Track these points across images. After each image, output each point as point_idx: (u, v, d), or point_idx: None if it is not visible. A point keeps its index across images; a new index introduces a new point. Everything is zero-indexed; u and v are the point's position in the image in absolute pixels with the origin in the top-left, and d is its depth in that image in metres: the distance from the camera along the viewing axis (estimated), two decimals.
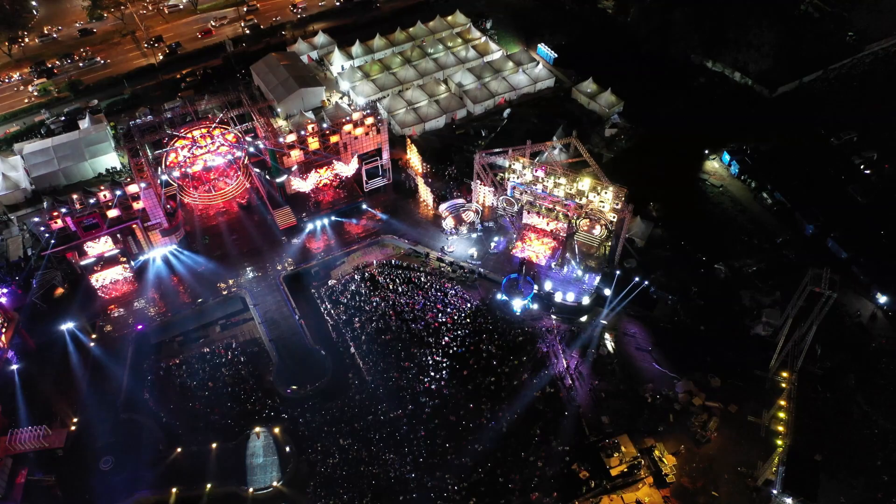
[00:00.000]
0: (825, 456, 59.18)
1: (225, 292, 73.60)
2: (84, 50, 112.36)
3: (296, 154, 77.53)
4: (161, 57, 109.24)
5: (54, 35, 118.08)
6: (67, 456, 60.29)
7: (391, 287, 73.39)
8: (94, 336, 68.90)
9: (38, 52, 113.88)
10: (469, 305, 71.65)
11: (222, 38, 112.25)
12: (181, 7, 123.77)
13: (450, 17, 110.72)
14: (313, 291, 74.53)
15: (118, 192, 70.34)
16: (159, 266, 75.11)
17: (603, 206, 71.96)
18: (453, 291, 73.03)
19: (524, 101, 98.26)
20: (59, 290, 73.27)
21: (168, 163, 76.08)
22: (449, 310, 71.01)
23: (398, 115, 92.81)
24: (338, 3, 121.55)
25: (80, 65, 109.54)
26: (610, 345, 68.48)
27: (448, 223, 77.87)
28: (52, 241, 68.76)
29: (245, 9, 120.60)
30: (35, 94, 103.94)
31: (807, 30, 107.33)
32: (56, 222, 68.30)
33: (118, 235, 71.89)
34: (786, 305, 64.84)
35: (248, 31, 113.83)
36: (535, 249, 76.72)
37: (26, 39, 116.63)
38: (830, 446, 60.50)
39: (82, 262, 70.82)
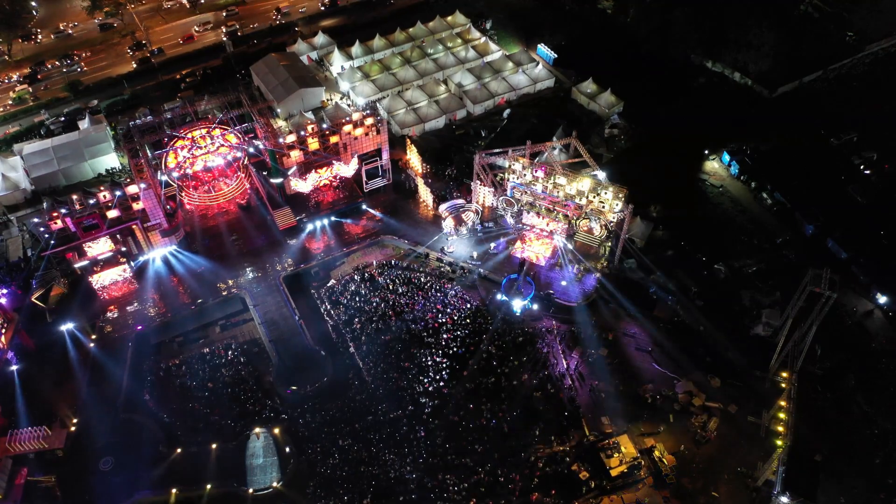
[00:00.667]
0: (825, 456, 59.17)
1: (225, 293, 73.60)
2: (70, 54, 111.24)
3: (295, 154, 77.53)
4: (135, 65, 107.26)
5: (69, 31, 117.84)
6: (67, 456, 60.34)
7: (391, 287, 73.37)
8: (93, 336, 68.91)
9: (38, 51, 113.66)
10: (469, 306, 71.65)
11: (203, 44, 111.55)
12: (203, 1, 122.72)
13: (449, 18, 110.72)
14: (313, 292, 74.50)
15: (118, 193, 70.35)
16: (159, 266, 75.14)
17: (603, 207, 71.99)
18: (453, 292, 73.02)
19: (524, 102, 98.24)
20: (59, 290, 73.16)
21: (167, 163, 76.09)
22: (449, 310, 71.01)
23: (398, 116, 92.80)
24: (322, 8, 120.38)
25: (63, 70, 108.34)
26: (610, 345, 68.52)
27: (448, 223, 77.84)
28: (52, 242, 68.78)
29: (224, 14, 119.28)
30: (10, 102, 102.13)
31: (807, 30, 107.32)
32: (56, 223, 68.27)
33: (118, 236, 71.90)
34: (786, 306, 64.79)
35: (224, 39, 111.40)
36: (535, 249, 76.75)
37: (40, 37, 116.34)
38: (830, 446, 60.50)
39: (77, 265, 70.92)
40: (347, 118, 79.09)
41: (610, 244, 75.40)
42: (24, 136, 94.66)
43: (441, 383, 64.84)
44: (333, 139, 78.22)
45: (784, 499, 53.81)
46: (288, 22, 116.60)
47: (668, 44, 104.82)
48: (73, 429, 61.90)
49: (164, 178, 75.82)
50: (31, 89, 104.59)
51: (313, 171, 79.92)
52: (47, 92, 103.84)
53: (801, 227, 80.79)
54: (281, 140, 76.24)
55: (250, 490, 58.40)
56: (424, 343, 68.20)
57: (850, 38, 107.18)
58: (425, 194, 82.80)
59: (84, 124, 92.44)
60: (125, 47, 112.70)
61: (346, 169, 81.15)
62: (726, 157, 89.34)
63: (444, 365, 66.18)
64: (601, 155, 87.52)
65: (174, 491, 57.66)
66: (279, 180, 79.14)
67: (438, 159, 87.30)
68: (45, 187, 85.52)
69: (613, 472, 58.19)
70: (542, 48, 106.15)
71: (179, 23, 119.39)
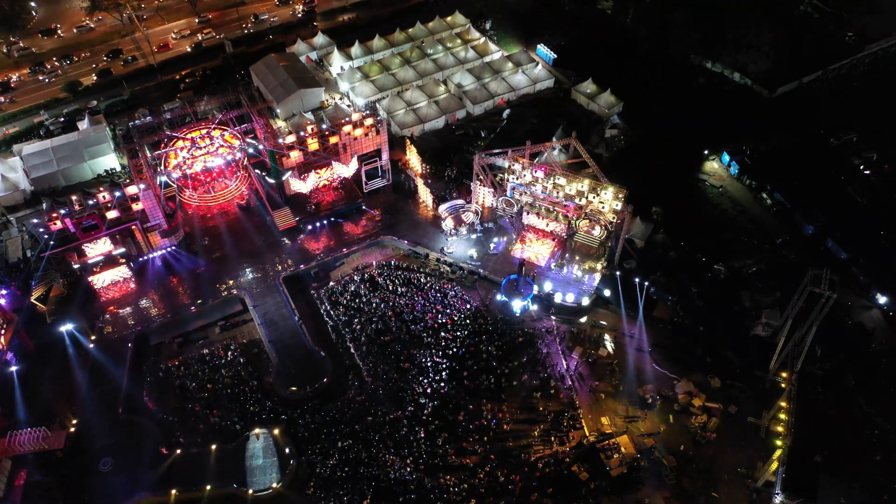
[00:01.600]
0: (825, 456, 59.16)
1: (224, 293, 73.53)
2: (55, 60, 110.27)
3: (295, 155, 77.46)
4: (95, 78, 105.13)
5: (92, 25, 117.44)
6: (67, 457, 60.22)
7: (391, 288, 73.32)
8: (93, 337, 68.86)
9: (58, 45, 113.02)
10: (469, 306, 71.60)
11: (179, 52, 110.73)
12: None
13: (449, 18, 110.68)
14: (313, 292, 74.44)
15: (117, 194, 70.36)
16: (159, 267, 75.08)
17: (602, 207, 71.94)
18: (453, 292, 72.96)
19: (524, 102, 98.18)
20: (58, 291, 73.07)
21: (167, 164, 76.01)
22: (448, 311, 70.96)
23: (398, 116, 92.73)
24: (300, 15, 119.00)
25: (40, 78, 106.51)
26: (609, 345, 68.43)
27: (447, 224, 77.80)
28: (52, 243, 68.73)
29: (197, 20, 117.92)
30: None
31: (806, 30, 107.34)
32: (55, 224, 68.26)
33: (117, 237, 71.87)
34: (786, 306, 64.79)
35: (189, 49, 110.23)
36: (535, 250, 76.69)
37: (60, 32, 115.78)
38: (830, 446, 60.46)
39: (76, 265, 70.90)
40: (347, 119, 79.07)
41: (610, 244, 75.34)
42: (23, 137, 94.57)
43: (441, 384, 64.82)
44: (333, 140, 78.20)
45: (784, 499, 53.73)
46: (258, 31, 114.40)
47: (668, 44, 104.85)
48: (72, 429, 61.82)
49: (164, 178, 75.78)
50: (2, 98, 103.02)
51: (313, 171, 79.87)
52: (13, 105, 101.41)
53: (801, 227, 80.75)
54: (281, 141, 76.19)
55: (250, 491, 58.33)
56: (424, 344, 68.17)
57: (850, 38, 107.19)
58: (425, 195, 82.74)
59: (83, 125, 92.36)
60: (121, 48, 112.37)
61: (346, 169, 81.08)
62: (726, 157, 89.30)
63: (444, 365, 66.14)
64: (601, 155, 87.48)
65: (174, 492, 57.58)
66: (275, 181, 79.05)
67: (438, 160, 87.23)
68: (45, 188, 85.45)
69: (613, 473, 58.14)
70: (542, 48, 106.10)
71: (179, 23, 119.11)
